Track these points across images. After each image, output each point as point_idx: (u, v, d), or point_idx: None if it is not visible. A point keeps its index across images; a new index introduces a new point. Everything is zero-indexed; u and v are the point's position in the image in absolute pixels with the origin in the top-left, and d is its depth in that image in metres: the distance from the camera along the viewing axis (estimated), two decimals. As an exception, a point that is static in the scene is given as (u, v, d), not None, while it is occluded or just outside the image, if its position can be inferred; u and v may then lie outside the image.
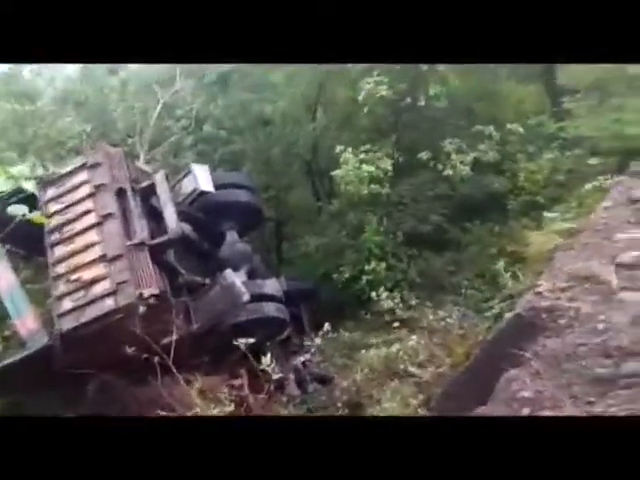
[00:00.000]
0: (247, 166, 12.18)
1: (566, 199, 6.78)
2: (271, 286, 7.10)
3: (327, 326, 5.10)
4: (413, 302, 7.34)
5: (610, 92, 10.14)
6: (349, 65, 10.31)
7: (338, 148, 9.55)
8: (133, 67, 13.55)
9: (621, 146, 7.14)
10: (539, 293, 3.31)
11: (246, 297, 6.13)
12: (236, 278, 6.44)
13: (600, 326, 2.75)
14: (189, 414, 4.02)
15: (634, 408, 2.00)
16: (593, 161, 7.25)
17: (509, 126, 9.29)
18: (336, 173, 9.41)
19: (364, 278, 8.44)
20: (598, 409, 2.06)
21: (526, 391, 2.40)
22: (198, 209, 7.48)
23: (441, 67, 9.60)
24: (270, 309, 6.78)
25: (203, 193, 7.29)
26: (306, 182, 13.36)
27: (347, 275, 8.78)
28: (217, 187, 7.51)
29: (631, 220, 4.50)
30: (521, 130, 9.24)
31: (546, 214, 6.39)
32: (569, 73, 13.69)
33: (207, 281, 6.68)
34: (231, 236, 7.88)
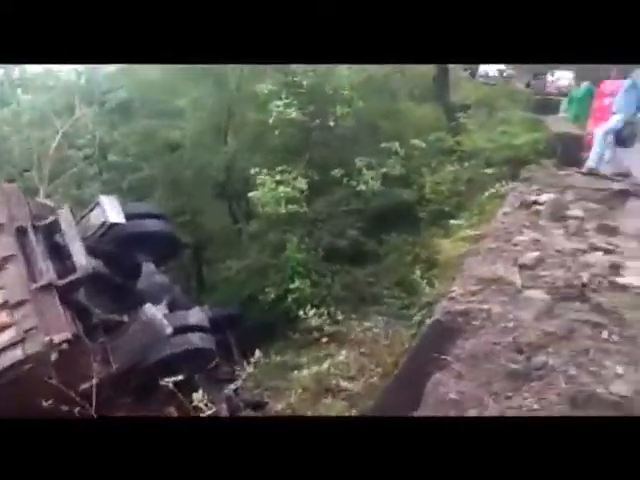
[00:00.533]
0: (158, 192, 11.79)
1: (468, 207, 7.30)
2: (195, 316, 6.87)
3: (258, 353, 5.02)
4: (339, 317, 7.47)
5: (496, 107, 11.25)
6: (258, 89, 10.47)
7: (253, 170, 9.59)
8: (26, 97, 12.67)
9: (511, 155, 7.88)
10: (453, 298, 3.48)
11: (169, 330, 5.87)
12: (156, 312, 6.16)
13: (510, 324, 2.98)
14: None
15: (546, 398, 2.21)
16: (489, 170, 7.90)
17: (412, 142, 9.92)
18: (253, 195, 9.42)
19: (290, 297, 8.48)
20: (516, 403, 2.23)
21: (452, 393, 2.51)
22: (109, 242, 7.06)
23: (346, 91, 10.06)
24: (196, 340, 6.54)
25: (113, 225, 6.91)
26: (221, 205, 13.21)
27: (273, 295, 8.78)
28: (128, 218, 7.16)
29: (527, 223, 4.96)
30: (423, 145, 9.92)
31: (452, 222, 6.83)
32: (459, 90, 14.98)
33: (125, 318, 6.30)
34: (147, 268, 7.53)
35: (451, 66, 18.32)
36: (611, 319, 2.89)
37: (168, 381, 3.93)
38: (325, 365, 5.86)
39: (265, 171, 9.56)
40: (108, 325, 6.15)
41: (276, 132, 10.45)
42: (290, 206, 9.18)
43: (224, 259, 10.70)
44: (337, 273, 9.17)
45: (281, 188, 9.27)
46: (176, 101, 13.19)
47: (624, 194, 5.80)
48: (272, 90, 10.71)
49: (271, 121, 10.08)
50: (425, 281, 5.64)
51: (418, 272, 6.02)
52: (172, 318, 6.35)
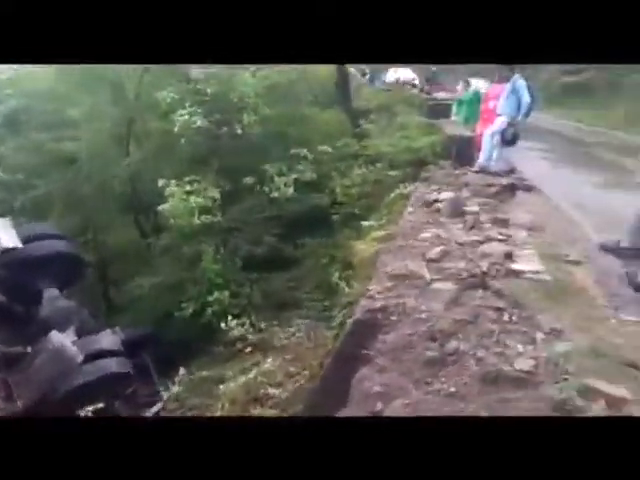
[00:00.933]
0: (56, 210, 10.93)
1: (377, 208, 7.66)
2: (106, 339, 6.47)
3: (182, 370, 4.87)
4: (262, 325, 7.47)
5: (395, 112, 11.90)
6: (159, 97, 10.14)
7: (160, 181, 9.24)
8: None
9: (412, 158, 8.40)
10: (371, 296, 3.66)
11: (79, 358, 5.49)
12: (64, 339, 5.73)
13: (423, 315, 3.20)
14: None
15: (460, 380, 2.43)
16: (393, 173, 8.35)
17: (320, 147, 10.19)
18: (163, 207, 9.08)
19: (209, 310, 8.29)
20: (435, 388, 2.43)
21: (377, 386, 2.63)
22: (4, 269, 6.44)
23: (251, 98, 10.07)
24: (110, 365, 6.17)
25: (8, 250, 6.31)
26: (128, 219, 12.57)
27: (190, 310, 8.51)
28: (24, 241, 6.58)
29: (430, 220, 5.34)
30: (330, 150, 10.22)
31: (364, 223, 7.13)
32: (360, 96, 15.63)
33: (29, 349, 5.78)
34: (50, 293, 6.94)
35: (352, 72, 19.09)
36: (509, 302, 3.22)
37: (87, 410, 3.71)
38: (251, 375, 5.83)
39: (174, 182, 9.27)
40: (10, 359, 5.61)
41: (182, 141, 10.18)
42: (204, 216, 8.99)
43: (134, 277, 10.16)
44: (256, 281, 9.13)
45: (193, 198, 9.05)
46: (69, 111, 12.31)
47: (512, 188, 6.46)
48: (175, 98, 10.42)
49: (176, 130, 9.81)
50: (343, 282, 5.83)
51: (336, 274, 6.20)
52: (82, 344, 5.94)
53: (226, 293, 8.49)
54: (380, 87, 18.74)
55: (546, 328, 2.83)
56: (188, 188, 9.15)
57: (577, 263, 4.04)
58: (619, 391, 2.28)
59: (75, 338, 6.32)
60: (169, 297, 9.14)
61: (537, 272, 3.64)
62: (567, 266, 3.93)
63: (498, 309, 3.14)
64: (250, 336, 7.10)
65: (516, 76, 7.10)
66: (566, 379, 2.32)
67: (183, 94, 10.42)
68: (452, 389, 2.38)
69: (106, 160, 11.52)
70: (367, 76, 24.09)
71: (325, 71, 14.60)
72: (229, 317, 7.61)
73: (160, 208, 9.18)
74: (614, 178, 7.86)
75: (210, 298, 8.41)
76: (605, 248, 4.72)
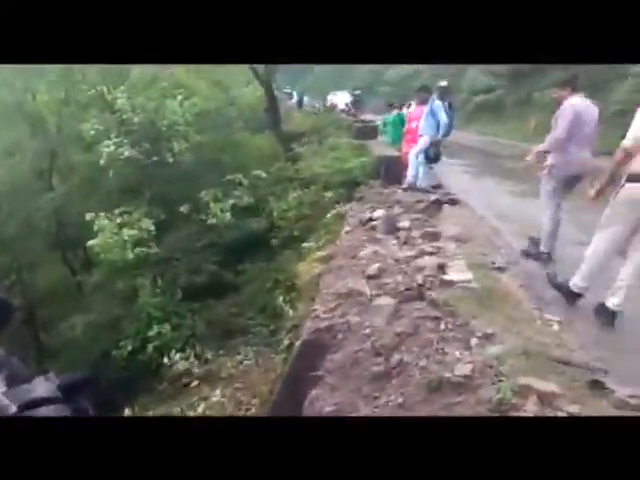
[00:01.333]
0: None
1: (316, 229, 7.80)
2: (40, 387, 5.95)
3: (128, 411, 4.64)
4: (208, 356, 7.29)
5: (325, 134, 12.26)
6: (83, 129, 9.82)
7: (88, 215, 8.88)
8: None
9: (345, 178, 8.67)
10: (316, 317, 3.72)
11: (12, 409, 5.09)
12: (-8, 391, 5.30)
13: (367, 331, 3.31)
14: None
15: (406, 391, 2.55)
16: (328, 194, 8.55)
17: (254, 172, 10.26)
18: (92, 243, 8.70)
19: (150, 346, 7.98)
20: (383, 401, 2.53)
21: (328, 406, 2.68)
22: None
23: (181, 126, 10.01)
24: (47, 414, 5.76)
25: None
26: (55, 257, 11.91)
27: (129, 348, 8.15)
28: (-62, 289, 6.06)
29: (367, 238, 5.53)
30: (265, 174, 10.32)
31: (304, 245, 7.23)
32: (290, 120, 15.95)
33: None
34: (-29, 343, 6.42)
35: (279, 97, 19.41)
36: (444, 312, 3.41)
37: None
38: (200, 409, 5.67)
39: (103, 215, 8.94)
40: None
41: (110, 173, 9.88)
42: (138, 249, 8.71)
43: (66, 317, 9.61)
44: (198, 311, 8.92)
45: (125, 231, 8.76)
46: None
47: (439, 203, 6.85)
48: (99, 130, 10.14)
49: (102, 162, 9.52)
50: (287, 305, 5.85)
51: (280, 297, 6.21)
52: (13, 394, 5.46)
53: (167, 326, 8.23)
54: (309, 110, 19.23)
55: (479, 333, 3.03)
56: (119, 221, 8.86)
57: (503, 269, 4.35)
58: (549, 386, 2.50)
59: (5, 389, 5.85)
60: (105, 336, 8.72)
61: (467, 281, 3.88)
62: (494, 273, 4.23)
63: (435, 319, 3.31)
64: (196, 369, 6.89)
65: (433, 98, 7.60)
66: (501, 380, 2.51)
67: (108, 125, 10.15)
68: (399, 400, 2.48)
69: (28, 195, 10.91)
70: (294, 99, 24.70)
71: (253, 97, 14.78)
72: (172, 351, 7.36)
73: (90, 243, 8.80)
74: (529, 188, 8.54)
75: (150, 333, 8.11)
76: (526, 253, 5.14)
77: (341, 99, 23.25)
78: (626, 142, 3.43)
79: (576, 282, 3.91)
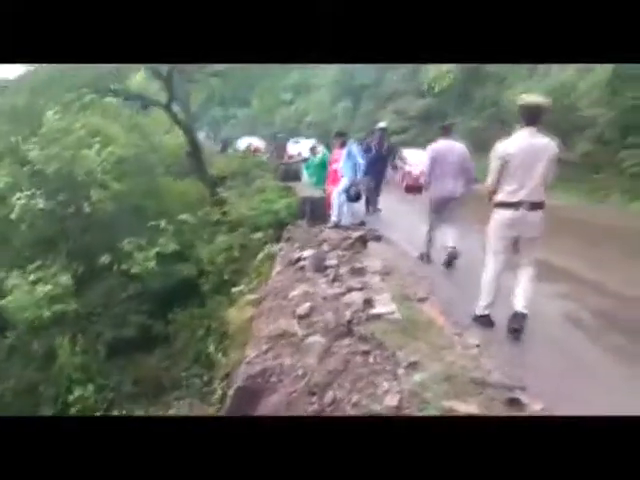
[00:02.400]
0: None
1: (246, 272, 7.77)
2: None
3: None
4: (137, 414, 6.87)
5: (250, 177, 12.39)
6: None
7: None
8: None
9: (272, 219, 8.78)
10: (249, 362, 3.68)
11: None
12: None
13: (300, 372, 3.35)
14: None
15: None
16: (257, 235, 8.59)
17: (180, 217, 10.09)
18: (4, 302, 8.06)
19: (72, 410, 7.39)
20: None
21: None
22: None
23: (98, 174, 9.72)
24: None
25: None
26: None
27: (49, 414, 7.49)
28: None
29: (297, 278, 5.60)
30: (191, 219, 10.18)
31: (234, 289, 7.15)
32: (214, 163, 15.95)
33: None
34: None
35: (201, 140, 19.41)
36: (373, 345, 3.54)
37: None
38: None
39: (15, 272, 8.36)
40: None
41: (22, 227, 9.30)
42: (55, 306, 8.17)
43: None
44: (125, 368, 8.43)
45: (40, 288, 8.21)
46: None
47: (363, 239, 7.14)
48: (9, 182, 9.59)
49: (14, 216, 8.97)
50: (220, 353, 5.72)
51: (212, 345, 6.05)
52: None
53: (90, 388, 7.68)
54: (232, 154, 19.39)
55: (405, 363, 3.19)
56: (33, 277, 8.31)
57: (424, 300, 4.61)
58: (470, 408, 2.67)
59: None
60: (21, 403, 7.96)
61: (392, 312, 4.07)
62: (416, 304, 4.47)
63: (365, 353, 3.42)
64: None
65: (351, 141, 8.11)
66: (426, 406, 2.65)
67: (18, 177, 9.63)
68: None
69: None
70: (220, 145, 24.90)
71: (174, 142, 14.70)
72: (97, 414, 6.87)
73: (1, 303, 8.14)
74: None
75: (71, 397, 7.53)
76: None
77: (253, 142, 23.64)
78: (487, 185, 4.22)
79: (480, 305, 4.35)
